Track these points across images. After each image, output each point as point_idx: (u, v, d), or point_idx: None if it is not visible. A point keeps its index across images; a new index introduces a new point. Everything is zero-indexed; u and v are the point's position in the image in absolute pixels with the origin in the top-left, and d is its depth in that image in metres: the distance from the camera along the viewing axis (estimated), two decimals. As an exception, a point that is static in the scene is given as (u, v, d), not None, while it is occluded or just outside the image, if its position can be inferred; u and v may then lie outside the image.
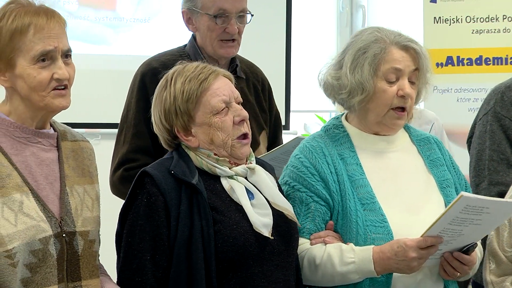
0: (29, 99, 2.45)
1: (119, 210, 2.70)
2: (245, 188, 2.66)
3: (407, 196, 2.84)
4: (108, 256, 2.72)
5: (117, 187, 3.48)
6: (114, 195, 3.49)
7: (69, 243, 2.47)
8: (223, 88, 2.69)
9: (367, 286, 2.75)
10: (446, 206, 2.83)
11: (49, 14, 2.46)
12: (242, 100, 2.74)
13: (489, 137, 3.33)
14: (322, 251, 2.75)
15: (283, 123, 6.23)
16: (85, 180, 2.60)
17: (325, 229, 2.80)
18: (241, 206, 2.62)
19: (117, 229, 2.67)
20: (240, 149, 2.68)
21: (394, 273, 2.73)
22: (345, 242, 2.77)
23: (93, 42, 6.01)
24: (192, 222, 2.56)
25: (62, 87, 2.47)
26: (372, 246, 2.72)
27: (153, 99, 2.74)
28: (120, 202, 3.80)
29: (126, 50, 6.01)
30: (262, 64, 3.85)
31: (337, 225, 2.80)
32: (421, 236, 2.64)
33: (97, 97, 5.93)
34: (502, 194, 3.19)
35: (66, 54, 2.48)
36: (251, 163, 2.73)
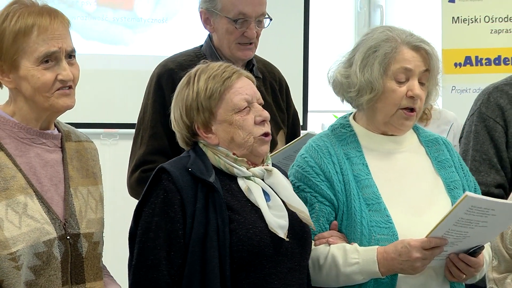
0: (33, 100, 2.44)
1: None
2: (262, 189, 2.66)
3: (413, 197, 2.81)
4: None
5: (135, 189, 3.49)
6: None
7: (73, 246, 2.45)
8: (246, 87, 2.69)
9: (371, 286, 2.73)
10: None
11: (53, 14, 2.44)
12: (263, 102, 2.74)
13: (473, 137, 3.34)
14: (326, 251, 2.73)
15: (300, 123, 6.27)
16: (89, 181, 2.60)
17: (329, 230, 2.78)
18: (257, 207, 2.61)
19: (131, 226, 2.66)
20: (261, 145, 2.66)
21: (399, 274, 2.71)
22: (349, 242, 2.75)
23: (111, 42, 6.04)
24: (207, 220, 2.54)
25: (67, 87, 2.45)
26: (377, 246, 2.69)
27: (174, 96, 2.73)
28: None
29: (144, 50, 6.03)
30: (280, 64, 3.85)
31: (342, 225, 2.78)
32: (426, 237, 2.63)
33: (115, 97, 5.95)
34: (482, 194, 3.20)
35: (70, 55, 2.46)
36: (267, 165, 2.72)
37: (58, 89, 2.44)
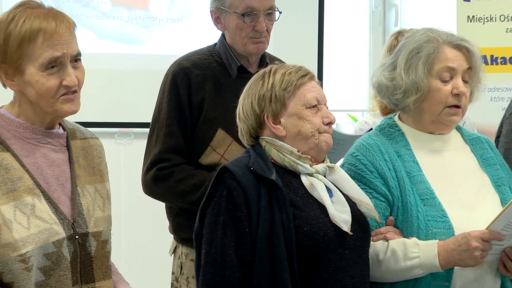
0: (38, 103, 2.45)
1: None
2: (325, 185, 2.71)
3: (463, 193, 2.87)
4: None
5: (150, 187, 3.50)
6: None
7: (82, 245, 2.47)
8: (318, 89, 2.80)
9: (428, 280, 2.78)
10: (502, 203, 2.88)
11: (59, 19, 2.44)
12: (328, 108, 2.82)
13: None
14: (385, 247, 2.79)
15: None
16: (95, 179, 2.61)
17: (385, 225, 2.84)
18: (318, 202, 2.67)
19: (196, 226, 2.71)
20: (326, 139, 2.73)
21: (455, 268, 2.75)
22: (405, 237, 2.80)
23: (126, 41, 6.05)
24: (272, 216, 2.60)
25: (71, 92, 2.46)
26: (437, 240, 2.74)
27: (245, 89, 2.81)
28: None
29: (159, 49, 6.04)
30: (294, 63, 3.85)
31: (397, 220, 2.84)
32: (486, 229, 2.67)
33: (130, 96, 5.96)
34: None
35: (76, 58, 2.47)
36: (328, 163, 2.79)
37: (63, 95, 2.44)
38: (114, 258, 2.66)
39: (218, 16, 3.56)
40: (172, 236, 3.65)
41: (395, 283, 2.82)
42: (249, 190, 2.62)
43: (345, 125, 6.69)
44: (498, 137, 3.50)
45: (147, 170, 3.50)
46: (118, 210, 5.85)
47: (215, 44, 3.62)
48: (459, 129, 3.04)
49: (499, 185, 2.94)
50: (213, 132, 3.44)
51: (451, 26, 5.86)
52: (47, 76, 2.41)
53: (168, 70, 3.58)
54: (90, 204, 2.54)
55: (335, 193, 2.71)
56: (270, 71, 2.80)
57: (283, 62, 3.76)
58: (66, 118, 2.60)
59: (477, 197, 2.88)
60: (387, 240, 2.79)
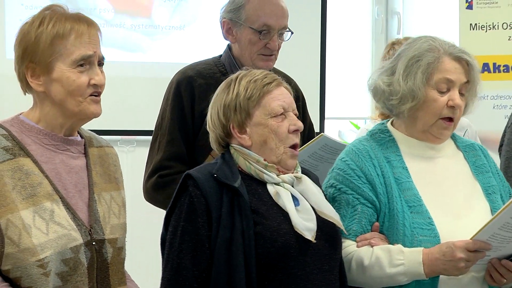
0: (63, 104, 2.46)
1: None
2: (291, 194, 2.70)
3: (452, 201, 2.85)
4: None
5: (151, 194, 3.51)
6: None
7: (98, 251, 2.48)
8: (284, 95, 2.76)
9: (413, 287, 2.76)
10: (491, 212, 2.85)
11: (89, 21, 2.49)
12: (298, 114, 2.79)
13: None
14: (370, 253, 2.77)
15: (317, 130, 6.27)
16: (111, 186, 2.62)
17: (371, 231, 2.83)
18: (284, 211, 2.66)
19: (162, 232, 2.71)
20: (289, 158, 2.73)
21: (440, 276, 2.73)
22: (391, 243, 2.79)
23: (129, 49, 6.05)
24: (233, 223, 2.59)
25: (96, 94, 2.49)
26: (422, 248, 2.73)
27: (213, 97, 2.79)
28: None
29: (162, 57, 6.05)
30: (297, 71, 3.86)
31: (383, 227, 2.82)
32: (471, 239, 2.65)
33: (133, 104, 5.97)
34: None
35: (100, 62, 2.50)
36: (297, 173, 2.77)
37: (90, 95, 2.47)
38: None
39: (230, 27, 3.56)
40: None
41: None
42: (210, 196, 2.61)
43: (347, 133, 6.69)
44: (501, 146, 3.49)
45: (148, 177, 3.51)
46: (120, 217, 5.89)
47: (220, 55, 3.63)
48: (452, 136, 3.00)
49: (490, 193, 2.91)
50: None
51: (453, 34, 5.88)
52: (78, 74, 2.44)
53: (172, 78, 3.60)
54: (106, 211, 2.55)
55: (301, 202, 2.69)
56: (236, 78, 2.76)
57: (286, 75, 3.78)
58: (94, 127, 2.63)
59: (466, 205, 2.86)
60: (372, 246, 2.78)
